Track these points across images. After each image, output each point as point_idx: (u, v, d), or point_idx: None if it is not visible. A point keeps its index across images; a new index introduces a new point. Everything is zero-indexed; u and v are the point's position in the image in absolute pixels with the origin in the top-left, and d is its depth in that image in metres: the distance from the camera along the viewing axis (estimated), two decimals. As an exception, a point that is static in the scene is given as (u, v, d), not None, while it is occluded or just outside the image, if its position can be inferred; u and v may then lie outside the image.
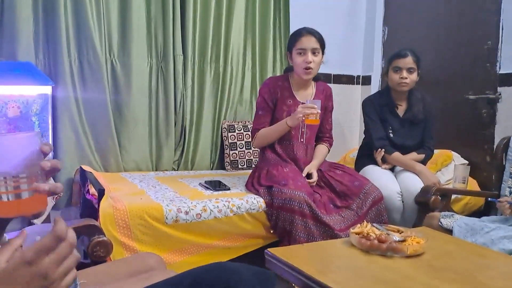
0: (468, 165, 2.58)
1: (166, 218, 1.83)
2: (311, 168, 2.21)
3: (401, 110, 2.46)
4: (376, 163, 2.43)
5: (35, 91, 2.10)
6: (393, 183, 2.25)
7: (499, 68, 2.57)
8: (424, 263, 1.19)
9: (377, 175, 2.31)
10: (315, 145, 2.35)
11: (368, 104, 2.49)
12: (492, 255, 1.32)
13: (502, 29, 2.54)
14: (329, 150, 2.39)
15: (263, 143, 2.25)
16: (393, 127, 2.43)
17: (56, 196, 2.01)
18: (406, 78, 2.33)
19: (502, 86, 2.56)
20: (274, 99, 2.22)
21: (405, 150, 2.42)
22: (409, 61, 2.32)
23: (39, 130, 2.08)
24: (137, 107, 2.64)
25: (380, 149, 2.38)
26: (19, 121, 2.03)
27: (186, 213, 1.88)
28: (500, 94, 2.58)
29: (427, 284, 1.02)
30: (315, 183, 2.18)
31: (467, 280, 1.06)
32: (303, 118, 2.02)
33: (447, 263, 1.19)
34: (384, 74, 2.48)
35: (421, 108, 2.42)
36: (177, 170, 2.84)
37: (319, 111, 2.02)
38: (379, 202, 2.10)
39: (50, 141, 2.13)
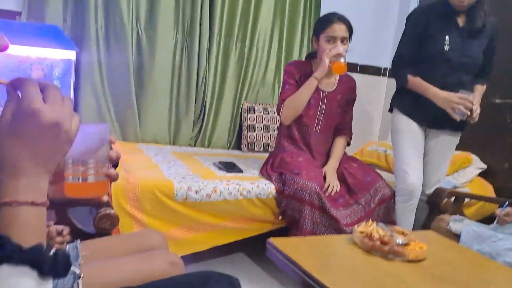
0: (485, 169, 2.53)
1: (176, 195, 1.87)
2: (328, 170, 2.15)
3: (460, 20, 2.08)
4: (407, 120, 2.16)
5: (59, 55, 2.14)
6: (419, 177, 2.12)
7: (530, 74, 2.47)
8: (424, 269, 1.19)
9: (405, 155, 2.14)
10: (334, 138, 2.32)
11: (414, 14, 2.17)
12: (494, 268, 1.31)
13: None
14: (348, 143, 2.33)
15: (291, 110, 2.13)
16: (450, 38, 2.05)
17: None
18: None
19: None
20: (299, 79, 2.18)
21: (460, 70, 2.07)
22: None
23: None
24: (159, 80, 2.66)
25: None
26: (41, 84, 2.09)
27: (197, 192, 1.92)
28: (527, 101, 2.49)
29: (422, 292, 1.03)
30: (333, 192, 2.07)
31: (464, 293, 1.06)
32: (331, 64, 2.03)
33: (447, 272, 1.19)
34: None
35: (483, 15, 2.05)
36: (193, 146, 2.88)
37: (345, 53, 2.04)
38: (388, 200, 2.09)
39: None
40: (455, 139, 2.22)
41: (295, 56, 3.05)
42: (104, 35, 2.48)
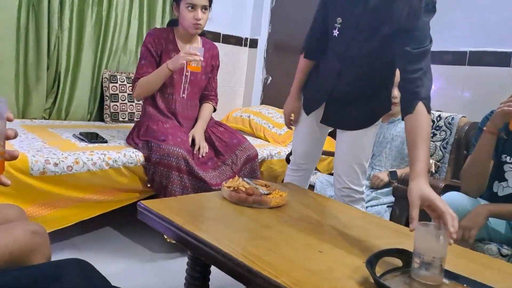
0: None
1: (32, 169, 1.71)
2: (196, 132, 2.20)
3: None
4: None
5: None
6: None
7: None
8: (284, 213, 1.33)
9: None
10: (201, 104, 2.36)
11: None
12: (339, 207, 1.53)
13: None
14: (215, 109, 2.41)
15: (143, 91, 2.15)
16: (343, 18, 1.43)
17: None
18: None
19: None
20: (158, 50, 2.16)
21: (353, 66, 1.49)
22: None
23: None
24: (1, 44, 2.34)
25: None
26: None
27: (56, 165, 1.78)
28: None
29: (282, 232, 1.16)
30: (204, 153, 2.15)
31: (315, 228, 1.22)
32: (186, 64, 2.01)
33: (303, 214, 1.35)
34: None
35: None
36: (48, 119, 2.63)
37: (202, 58, 2.01)
38: (253, 160, 2.24)
39: None
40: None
41: (158, 22, 2.97)
42: None
